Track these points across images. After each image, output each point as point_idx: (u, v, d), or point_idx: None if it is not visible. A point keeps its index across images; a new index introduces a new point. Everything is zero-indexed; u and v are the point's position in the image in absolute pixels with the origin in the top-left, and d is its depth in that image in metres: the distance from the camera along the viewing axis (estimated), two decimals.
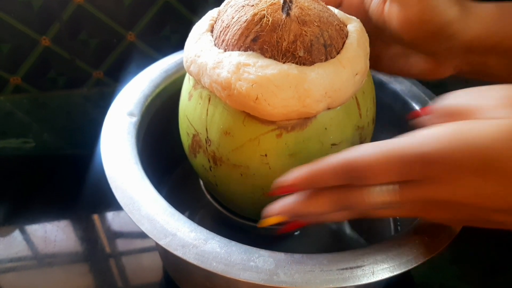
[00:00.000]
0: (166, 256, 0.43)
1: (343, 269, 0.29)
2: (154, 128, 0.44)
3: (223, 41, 0.33)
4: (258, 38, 0.32)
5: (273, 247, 0.31)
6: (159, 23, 0.57)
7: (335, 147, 0.34)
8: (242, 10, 0.33)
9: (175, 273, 0.43)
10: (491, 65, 0.35)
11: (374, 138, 0.41)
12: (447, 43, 0.34)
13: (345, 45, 0.33)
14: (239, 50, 0.32)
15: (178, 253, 0.30)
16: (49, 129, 0.61)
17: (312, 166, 0.28)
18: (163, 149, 0.46)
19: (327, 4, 0.36)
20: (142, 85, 0.44)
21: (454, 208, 0.26)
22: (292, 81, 0.30)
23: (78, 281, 0.45)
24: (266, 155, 0.33)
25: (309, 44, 0.31)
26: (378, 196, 0.27)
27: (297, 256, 0.30)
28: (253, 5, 0.33)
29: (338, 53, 0.33)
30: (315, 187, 0.29)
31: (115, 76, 0.60)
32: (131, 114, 0.41)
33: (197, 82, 0.35)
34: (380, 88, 0.47)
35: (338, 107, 0.33)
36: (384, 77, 0.48)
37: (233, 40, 0.33)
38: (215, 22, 0.36)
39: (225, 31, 0.33)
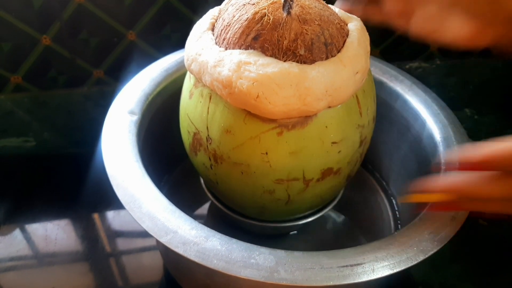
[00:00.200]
0: (167, 254, 0.43)
1: (343, 266, 0.29)
2: (155, 127, 0.44)
3: (224, 39, 0.34)
4: (259, 36, 0.32)
5: (273, 245, 0.31)
6: (160, 22, 0.57)
7: (335, 145, 0.34)
8: (243, 8, 0.33)
9: (175, 271, 0.43)
10: None
11: (374, 137, 0.42)
12: (496, 5, 0.32)
13: (346, 44, 0.33)
14: (240, 48, 0.32)
15: (179, 250, 0.30)
16: (50, 128, 0.61)
17: (497, 146, 0.26)
18: (164, 147, 0.46)
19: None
20: (143, 84, 0.44)
21: None
22: (293, 79, 0.30)
23: (79, 280, 0.45)
24: (266, 153, 0.33)
25: (310, 43, 0.32)
26: None
27: (297, 253, 0.30)
28: (254, 4, 0.33)
29: (338, 51, 0.33)
30: (496, 170, 0.27)
31: (116, 75, 0.60)
32: (132, 113, 0.41)
33: (198, 80, 0.35)
34: (380, 87, 0.47)
35: (339, 106, 0.33)
36: (384, 77, 0.48)
37: (234, 38, 0.33)
38: (216, 21, 0.36)
39: (226, 29, 0.34)
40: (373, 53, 0.65)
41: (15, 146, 0.60)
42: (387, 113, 0.48)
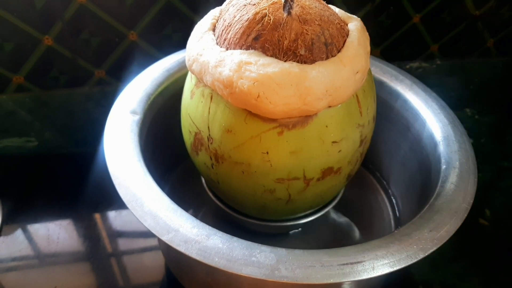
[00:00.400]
0: (169, 253, 0.43)
1: (343, 264, 0.30)
2: (157, 127, 0.44)
3: (225, 39, 0.34)
4: (259, 36, 0.32)
5: (274, 244, 0.32)
6: (161, 22, 0.57)
7: (335, 144, 0.34)
8: (244, 9, 0.33)
9: (177, 270, 0.43)
10: None
11: (375, 137, 0.42)
12: None
13: (346, 44, 0.33)
14: (241, 48, 0.32)
15: (181, 248, 0.30)
16: (51, 127, 0.61)
17: None
18: (166, 147, 0.47)
19: None
20: (144, 84, 0.44)
21: None
22: (293, 79, 0.31)
23: (80, 280, 0.45)
24: (267, 153, 0.33)
25: (310, 43, 0.32)
26: None
27: (298, 251, 0.30)
28: (254, 4, 0.33)
29: (339, 51, 0.33)
30: None
31: (117, 75, 0.60)
32: (133, 112, 0.41)
33: (199, 80, 0.35)
34: (380, 86, 0.47)
35: (339, 105, 0.34)
36: (385, 76, 0.48)
37: (235, 38, 0.33)
38: (217, 21, 0.36)
39: (227, 30, 0.34)
40: (373, 53, 0.66)
41: (16, 146, 0.60)
42: (387, 112, 0.48)
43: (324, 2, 0.35)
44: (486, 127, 0.66)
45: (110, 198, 0.51)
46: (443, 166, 0.38)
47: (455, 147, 0.40)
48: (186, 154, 0.42)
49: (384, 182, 0.53)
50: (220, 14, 0.36)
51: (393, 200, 0.51)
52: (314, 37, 0.32)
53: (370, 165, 0.54)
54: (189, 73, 0.38)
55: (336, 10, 0.37)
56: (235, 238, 0.31)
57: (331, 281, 0.29)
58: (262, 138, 0.33)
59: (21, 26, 0.53)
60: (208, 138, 0.36)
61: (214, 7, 0.38)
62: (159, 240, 0.46)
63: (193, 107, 0.36)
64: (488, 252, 0.50)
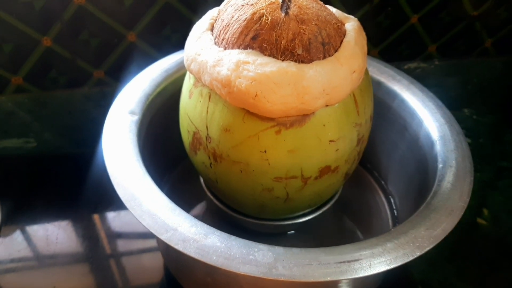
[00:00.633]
0: (167, 252, 0.43)
1: (340, 262, 0.30)
2: (155, 127, 0.45)
3: (223, 39, 0.34)
4: (257, 36, 0.32)
5: (272, 243, 0.32)
6: (160, 23, 0.57)
7: (333, 143, 0.34)
8: (242, 9, 0.33)
9: (176, 271, 0.43)
10: None
11: (373, 136, 0.42)
12: None
13: (343, 44, 0.34)
14: (238, 48, 0.33)
15: (179, 247, 0.30)
16: (50, 128, 0.61)
17: None
18: (164, 147, 0.47)
19: None
20: (143, 84, 0.44)
21: None
22: (291, 78, 0.31)
23: (79, 281, 0.45)
24: (265, 152, 0.34)
25: (307, 43, 0.32)
26: None
27: (295, 250, 0.31)
28: (252, 4, 0.33)
29: (336, 51, 0.33)
30: None
31: (116, 76, 0.60)
32: (132, 113, 0.41)
33: (198, 80, 0.36)
34: (378, 86, 0.48)
35: (336, 104, 0.34)
36: (382, 76, 0.48)
37: (233, 38, 0.33)
38: (215, 21, 0.36)
39: (225, 29, 0.34)
40: (372, 54, 0.66)
41: (16, 147, 0.60)
42: (385, 112, 0.48)
43: (321, 3, 0.36)
44: (484, 127, 0.66)
45: (109, 199, 0.51)
46: (440, 165, 0.39)
47: (451, 146, 0.40)
48: (184, 154, 0.42)
49: (382, 182, 0.53)
50: (218, 14, 0.36)
51: (391, 199, 0.51)
52: (312, 36, 0.32)
53: (368, 164, 0.54)
54: (188, 73, 0.38)
55: (333, 10, 0.37)
56: (233, 237, 0.31)
57: (328, 279, 0.29)
58: (260, 137, 0.33)
59: (20, 27, 0.53)
60: (206, 137, 0.36)
61: (212, 8, 0.38)
62: (158, 240, 0.46)
63: (191, 106, 0.37)
64: (487, 251, 0.50)
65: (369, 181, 0.54)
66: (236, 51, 0.32)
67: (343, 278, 0.29)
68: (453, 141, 0.40)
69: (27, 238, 0.49)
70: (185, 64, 0.36)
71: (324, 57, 0.33)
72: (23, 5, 0.52)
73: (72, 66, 0.58)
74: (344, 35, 0.34)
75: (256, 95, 0.31)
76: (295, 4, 0.33)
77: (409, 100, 0.46)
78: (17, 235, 0.49)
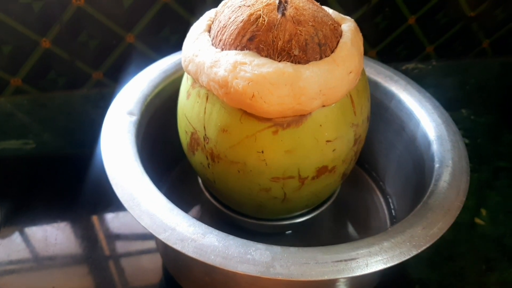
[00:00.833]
0: (166, 253, 0.43)
1: (337, 261, 0.30)
2: (154, 127, 0.45)
3: (220, 40, 0.34)
4: (254, 37, 0.32)
5: (270, 243, 0.32)
6: (158, 25, 0.57)
7: (330, 143, 0.35)
8: (239, 10, 0.34)
9: (174, 271, 0.43)
10: None
11: (371, 137, 0.42)
12: None
13: (339, 44, 0.34)
14: (235, 49, 0.33)
15: (177, 246, 0.31)
16: (49, 129, 0.61)
17: None
18: (162, 147, 0.47)
19: None
20: (141, 85, 0.44)
21: None
22: (288, 79, 0.31)
23: (78, 282, 0.45)
24: (262, 152, 0.34)
25: (304, 43, 0.32)
26: None
27: (292, 249, 0.31)
28: (249, 6, 0.33)
29: (332, 52, 0.34)
30: None
31: (115, 77, 0.61)
32: (130, 113, 0.42)
33: (195, 81, 0.36)
34: (375, 87, 0.48)
35: (333, 105, 0.34)
36: (379, 77, 0.48)
37: (230, 39, 0.33)
38: (213, 23, 0.36)
39: (222, 31, 0.34)
40: (369, 54, 0.66)
41: (15, 148, 0.60)
42: (382, 113, 0.48)
43: (318, 4, 0.36)
44: (482, 128, 0.66)
45: (108, 200, 0.51)
46: (437, 165, 0.39)
47: (448, 146, 0.40)
48: (183, 155, 0.42)
49: (380, 182, 0.53)
50: (216, 15, 0.37)
51: (389, 199, 0.51)
52: (308, 37, 0.32)
53: (366, 164, 0.54)
54: (185, 74, 0.39)
55: (330, 11, 0.37)
56: (231, 236, 0.31)
57: (326, 277, 0.29)
58: (257, 137, 0.33)
59: (19, 28, 0.53)
60: (204, 138, 0.36)
61: (210, 9, 0.38)
62: (157, 241, 0.46)
63: (189, 107, 0.37)
64: (484, 251, 0.50)
65: (367, 181, 0.54)
66: (233, 52, 0.32)
67: (340, 276, 0.29)
68: (450, 141, 0.41)
69: (26, 239, 0.49)
70: (183, 65, 0.37)
71: (321, 58, 0.33)
72: (22, 7, 0.52)
73: (71, 67, 0.58)
74: (341, 36, 0.35)
75: (253, 96, 0.31)
76: (292, 5, 0.33)
77: (406, 100, 0.46)
78: (16, 236, 0.49)
